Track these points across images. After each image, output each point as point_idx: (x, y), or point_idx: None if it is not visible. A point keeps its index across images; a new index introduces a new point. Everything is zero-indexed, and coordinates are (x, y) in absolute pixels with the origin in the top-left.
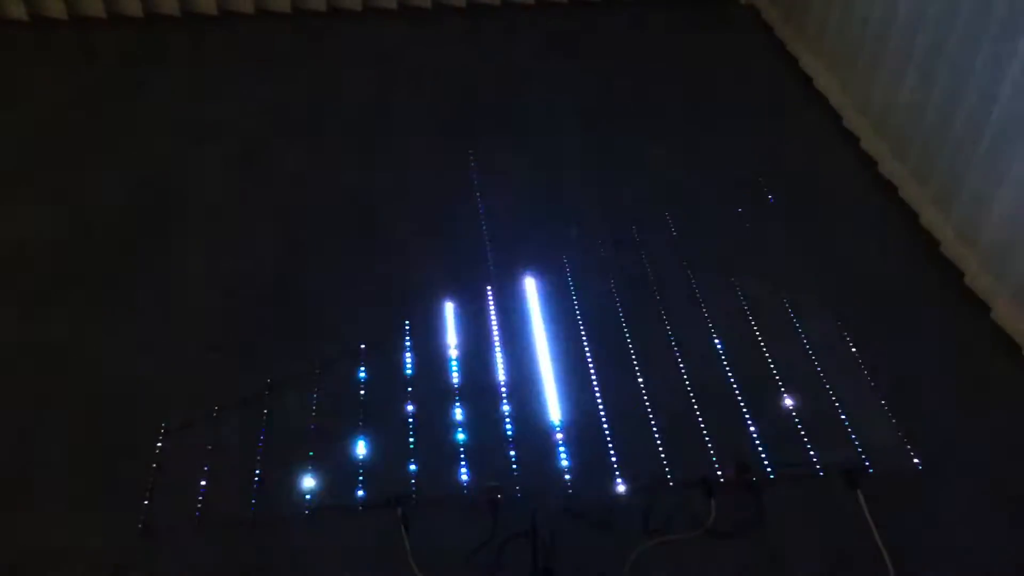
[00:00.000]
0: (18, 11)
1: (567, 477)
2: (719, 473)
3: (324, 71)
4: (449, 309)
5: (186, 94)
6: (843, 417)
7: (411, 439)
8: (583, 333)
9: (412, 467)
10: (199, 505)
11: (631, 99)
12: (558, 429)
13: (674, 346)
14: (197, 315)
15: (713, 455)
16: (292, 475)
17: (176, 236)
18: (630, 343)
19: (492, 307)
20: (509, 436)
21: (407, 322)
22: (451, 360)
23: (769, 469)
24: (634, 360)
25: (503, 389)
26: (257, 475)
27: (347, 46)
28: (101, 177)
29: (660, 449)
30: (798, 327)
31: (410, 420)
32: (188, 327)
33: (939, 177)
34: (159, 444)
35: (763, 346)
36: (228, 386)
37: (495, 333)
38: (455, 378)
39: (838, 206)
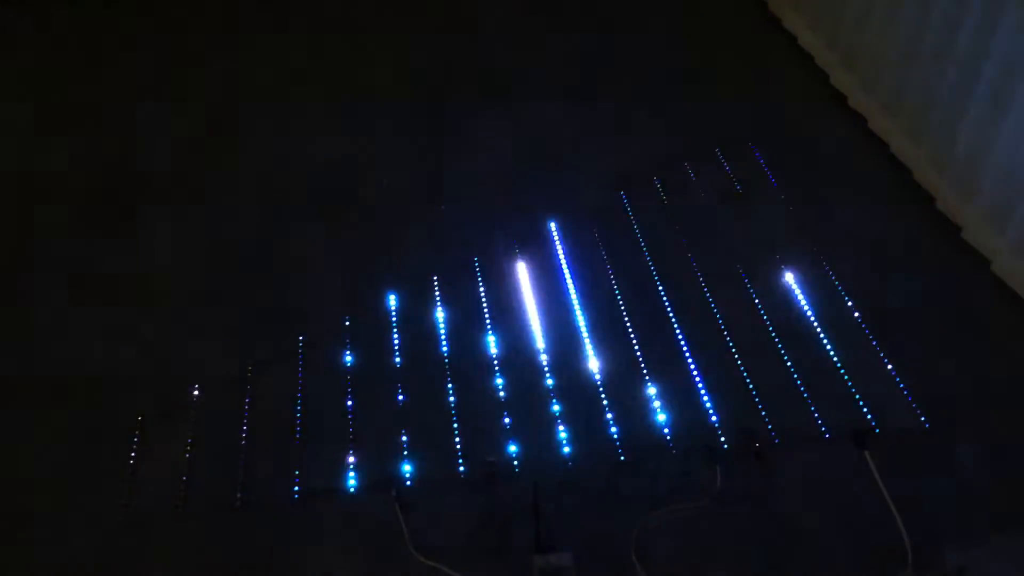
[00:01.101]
0: None
1: (566, 449)
2: (723, 440)
3: (293, 40)
4: (434, 281)
5: (150, 66)
6: (847, 378)
7: (402, 412)
8: (577, 303)
9: (405, 447)
10: (183, 492)
11: (611, 63)
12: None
13: (669, 311)
14: (171, 296)
15: (716, 421)
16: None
17: (148, 214)
18: (624, 310)
19: (479, 279)
20: (504, 411)
21: (392, 295)
22: (441, 334)
23: (774, 433)
24: (629, 327)
25: (496, 362)
26: (242, 459)
27: (316, 15)
28: (65, 154)
29: (661, 416)
30: (796, 287)
31: (400, 397)
32: (161, 309)
33: (933, 134)
34: (137, 431)
35: (760, 308)
36: (207, 368)
37: (484, 305)
38: (445, 353)
39: (829, 165)
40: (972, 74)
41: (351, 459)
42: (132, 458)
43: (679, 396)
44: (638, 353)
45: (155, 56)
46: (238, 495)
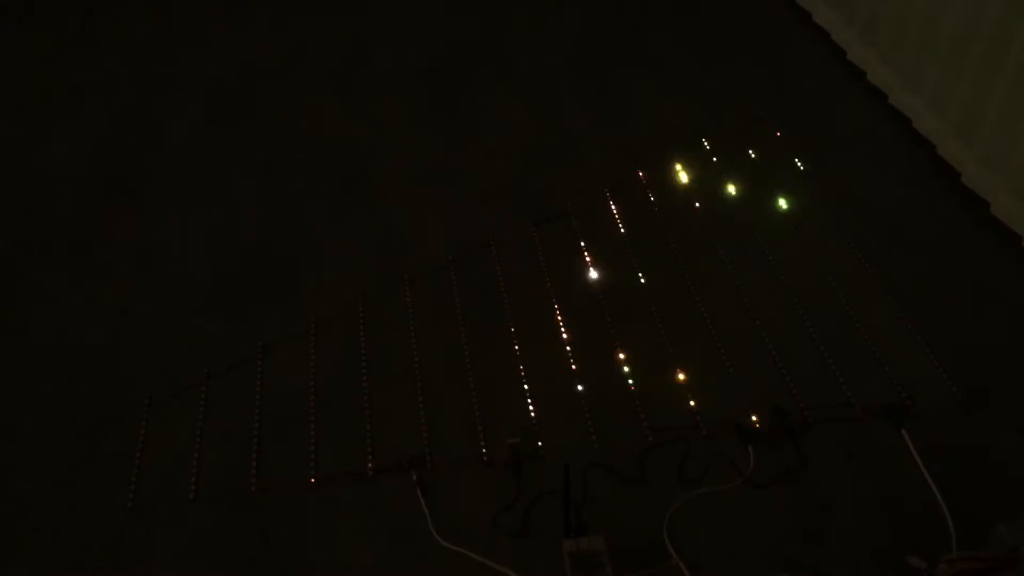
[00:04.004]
0: None
1: (592, 430)
2: (754, 419)
3: (298, 17)
4: (450, 262)
5: (152, 47)
6: (879, 354)
7: (420, 397)
8: (596, 280)
9: (424, 427)
10: (193, 479)
11: (623, 37)
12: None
13: (692, 287)
14: (177, 278)
15: (746, 400)
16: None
17: (149, 195)
18: (646, 288)
19: (495, 259)
20: (526, 390)
21: (405, 276)
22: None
23: (806, 412)
24: (652, 304)
25: (515, 342)
26: (255, 444)
27: None
28: (65, 136)
29: (690, 396)
30: (822, 264)
31: (419, 377)
32: (168, 291)
33: (959, 109)
34: (145, 417)
35: (787, 283)
36: (216, 352)
37: (501, 285)
38: (463, 333)
39: (849, 141)
40: (999, 47)
41: (368, 440)
42: (140, 442)
43: (709, 376)
44: (663, 331)
45: (154, 38)
46: (252, 480)
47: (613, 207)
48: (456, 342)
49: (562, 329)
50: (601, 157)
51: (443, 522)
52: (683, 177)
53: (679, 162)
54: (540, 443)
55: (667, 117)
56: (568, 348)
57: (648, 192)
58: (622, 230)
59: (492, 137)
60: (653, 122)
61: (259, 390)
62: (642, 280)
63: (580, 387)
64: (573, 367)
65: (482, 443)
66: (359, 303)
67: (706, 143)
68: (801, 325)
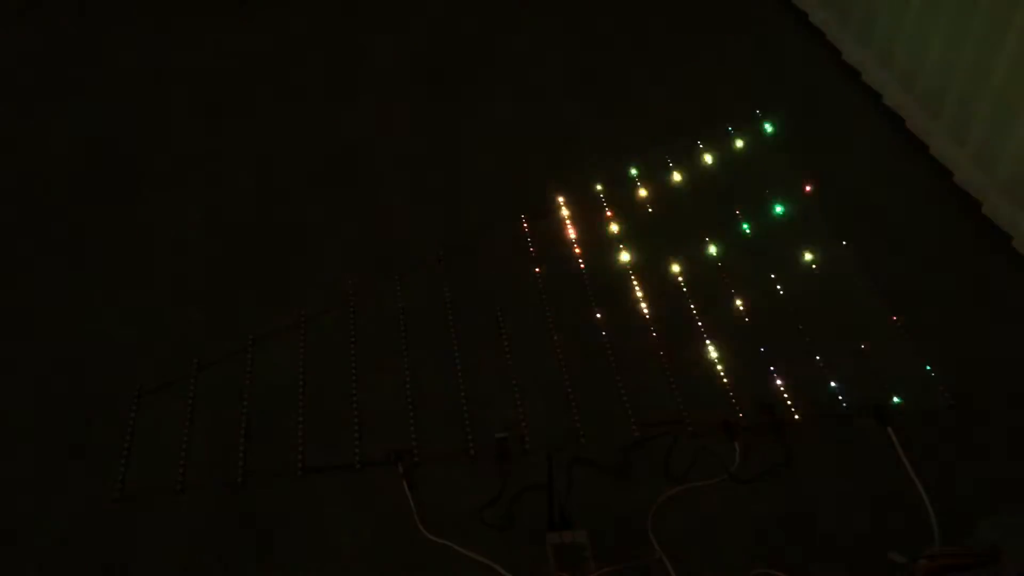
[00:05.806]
0: None
1: (578, 425)
2: (740, 416)
3: (296, 13)
4: (440, 257)
5: (152, 39)
6: (868, 352)
7: (408, 390)
8: (583, 270)
9: (411, 420)
10: (181, 469)
11: (618, 34)
12: None
13: (683, 286)
14: (169, 269)
15: (733, 397)
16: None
17: (143, 186)
18: (636, 284)
19: (486, 255)
20: (514, 385)
21: (396, 271)
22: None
23: (793, 409)
24: (642, 301)
25: (504, 337)
26: (243, 435)
27: None
28: (63, 125)
29: (676, 391)
30: (812, 263)
31: (407, 370)
32: (160, 282)
33: (951, 110)
34: (134, 407)
35: (776, 281)
36: (206, 343)
37: (491, 280)
38: (452, 327)
39: (842, 140)
40: (991, 48)
41: (356, 432)
42: (129, 432)
43: (696, 371)
44: (653, 327)
45: (154, 30)
46: (240, 471)
47: (604, 202)
48: (445, 336)
49: (551, 324)
50: (594, 153)
51: (429, 515)
52: (675, 175)
53: (671, 159)
54: (526, 437)
55: (661, 114)
56: (556, 342)
57: (639, 189)
58: (613, 226)
59: (485, 132)
60: (647, 119)
61: (248, 382)
62: (632, 274)
63: (568, 382)
64: (561, 362)
65: (469, 437)
66: (349, 296)
67: (699, 141)
68: (791, 323)
